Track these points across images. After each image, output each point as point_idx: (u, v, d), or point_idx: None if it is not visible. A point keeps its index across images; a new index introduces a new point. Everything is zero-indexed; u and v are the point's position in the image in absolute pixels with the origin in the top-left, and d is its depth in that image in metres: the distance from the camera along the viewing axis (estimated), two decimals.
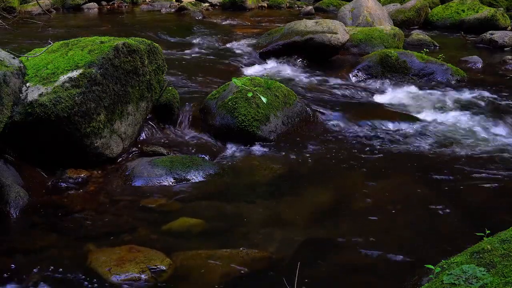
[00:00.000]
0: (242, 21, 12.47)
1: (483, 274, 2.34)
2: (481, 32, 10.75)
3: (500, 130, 5.80)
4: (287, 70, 7.78)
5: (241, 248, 3.43)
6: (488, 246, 2.56)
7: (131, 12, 14.40)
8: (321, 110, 6.05)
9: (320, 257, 3.39)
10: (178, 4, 14.75)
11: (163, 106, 5.38)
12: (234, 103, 5.32)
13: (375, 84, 7.45)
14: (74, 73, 4.34)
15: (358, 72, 7.74)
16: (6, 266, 3.22)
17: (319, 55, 8.08)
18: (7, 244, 3.52)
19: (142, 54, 4.83)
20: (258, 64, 8.12)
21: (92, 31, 9.81)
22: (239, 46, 9.08)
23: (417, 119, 6.01)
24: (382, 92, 7.11)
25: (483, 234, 2.84)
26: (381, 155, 5.09)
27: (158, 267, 3.19)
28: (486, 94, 6.92)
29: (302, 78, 7.42)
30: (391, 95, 6.94)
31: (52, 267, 3.20)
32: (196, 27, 11.12)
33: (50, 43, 4.67)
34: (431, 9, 12.51)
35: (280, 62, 8.08)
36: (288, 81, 7.13)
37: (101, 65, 4.44)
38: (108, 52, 4.52)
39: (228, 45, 9.27)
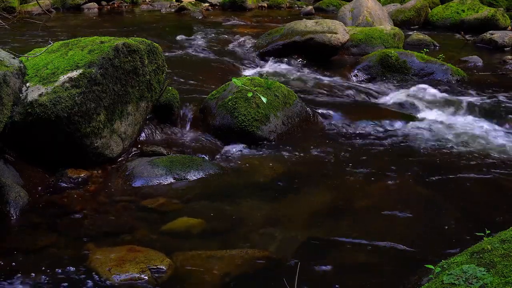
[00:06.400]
0: (242, 21, 12.46)
1: (483, 274, 2.34)
2: (481, 32, 10.74)
3: (500, 130, 5.80)
4: (287, 70, 7.78)
5: (241, 248, 3.44)
6: (488, 246, 2.56)
7: (131, 12, 14.40)
8: (321, 110, 6.05)
9: (320, 257, 3.39)
10: (178, 4, 14.74)
11: (163, 106, 5.38)
12: (234, 103, 5.32)
13: (375, 84, 7.45)
14: (74, 73, 4.34)
15: (358, 72, 7.74)
16: (6, 266, 3.22)
17: (319, 55, 8.08)
18: (7, 244, 3.52)
19: (142, 54, 4.83)
20: (258, 64, 8.12)
21: (92, 31, 9.80)
22: (239, 46, 9.08)
23: (417, 119, 6.01)
24: (382, 92, 7.11)
25: (483, 234, 2.83)
26: (381, 155, 5.09)
27: (158, 267, 3.19)
28: (486, 94, 6.92)
29: (302, 78, 7.42)
30: (391, 95, 6.94)
31: (52, 267, 3.20)
32: (196, 27, 11.11)
33: (50, 43, 4.67)
34: (431, 9, 12.51)
35: (280, 62, 8.07)
36: (288, 81, 7.12)
37: (101, 65, 4.44)
38: (108, 52, 4.52)
39: (228, 45, 9.27)
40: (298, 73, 7.64)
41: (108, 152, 4.58)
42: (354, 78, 7.66)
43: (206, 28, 11.01)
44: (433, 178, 4.58)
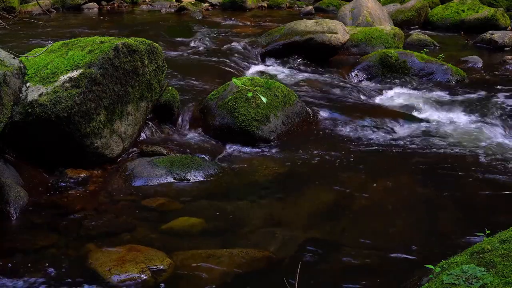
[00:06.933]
0: (242, 21, 12.45)
1: (483, 274, 2.34)
2: (481, 32, 10.74)
3: (500, 130, 5.81)
4: (287, 70, 7.78)
5: (241, 248, 3.44)
6: (488, 246, 2.56)
7: (131, 12, 14.39)
8: (321, 110, 6.05)
9: (320, 257, 3.40)
10: (178, 4, 14.73)
11: (163, 106, 5.38)
12: (234, 103, 5.32)
13: (375, 84, 7.45)
14: (74, 73, 4.34)
15: (358, 72, 7.74)
16: (6, 266, 3.22)
17: (319, 55, 8.08)
18: (7, 244, 3.52)
19: (142, 54, 4.83)
20: (258, 64, 8.11)
21: (92, 31, 9.80)
22: (239, 46, 9.07)
23: (417, 119, 6.01)
24: (382, 92, 7.11)
25: (483, 234, 2.84)
26: (381, 155, 5.09)
27: (158, 267, 3.19)
28: (486, 94, 6.92)
29: (302, 78, 7.41)
30: (391, 95, 6.94)
31: (52, 267, 3.21)
32: (196, 27, 11.10)
33: (50, 43, 4.67)
34: (431, 9, 12.50)
35: (280, 62, 8.07)
36: (288, 81, 7.12)
37: (101, 65, 4.44)
38: (108, 52, 4.52)
39: (228, 45, 9.25)
40: (298, 73, 7.64)
41: (108, 152, 4.58)
42: (354, 78, 7.66)
43: (206, 28, 11.00)
44: (433, 178, 4.58)
